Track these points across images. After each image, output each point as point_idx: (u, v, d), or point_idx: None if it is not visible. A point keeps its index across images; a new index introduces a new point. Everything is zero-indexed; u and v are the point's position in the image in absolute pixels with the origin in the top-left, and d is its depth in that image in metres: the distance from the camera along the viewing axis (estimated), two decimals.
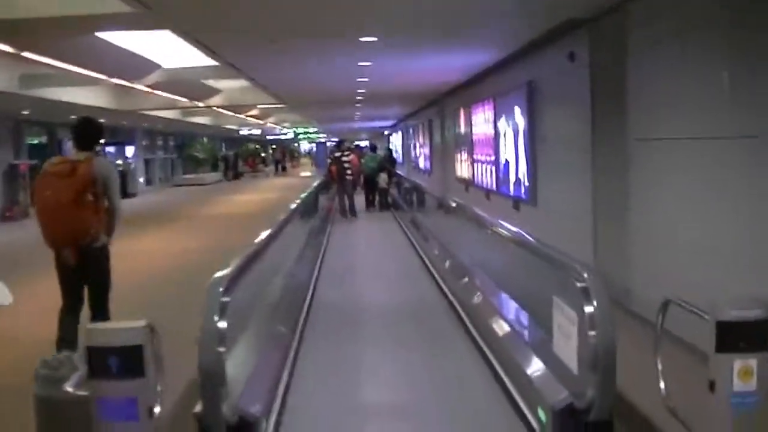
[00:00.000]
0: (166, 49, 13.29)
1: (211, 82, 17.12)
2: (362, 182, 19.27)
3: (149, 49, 13.22)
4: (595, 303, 3.22)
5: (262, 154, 62.71)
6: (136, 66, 13.85)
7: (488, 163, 12.65)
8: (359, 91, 16.04)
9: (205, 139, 42.56)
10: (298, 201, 9.99)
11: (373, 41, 8.82)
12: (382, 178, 19.00)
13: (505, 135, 11.17)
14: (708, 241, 5.28)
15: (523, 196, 10.23)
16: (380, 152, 23.28)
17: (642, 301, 6.23)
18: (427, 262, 9.64)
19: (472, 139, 14.10)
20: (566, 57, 8.22)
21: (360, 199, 18.54)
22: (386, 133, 47.33)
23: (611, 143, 7.09)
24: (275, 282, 6.64)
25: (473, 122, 13.94)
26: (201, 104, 19.40)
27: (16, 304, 5.54)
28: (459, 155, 16.04)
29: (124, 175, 26.39)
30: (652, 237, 6.31)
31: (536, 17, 8.03)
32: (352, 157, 17.99)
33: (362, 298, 8.08)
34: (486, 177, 12.93)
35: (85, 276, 5.16)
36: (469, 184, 14.96)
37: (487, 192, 12.95)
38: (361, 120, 33.01)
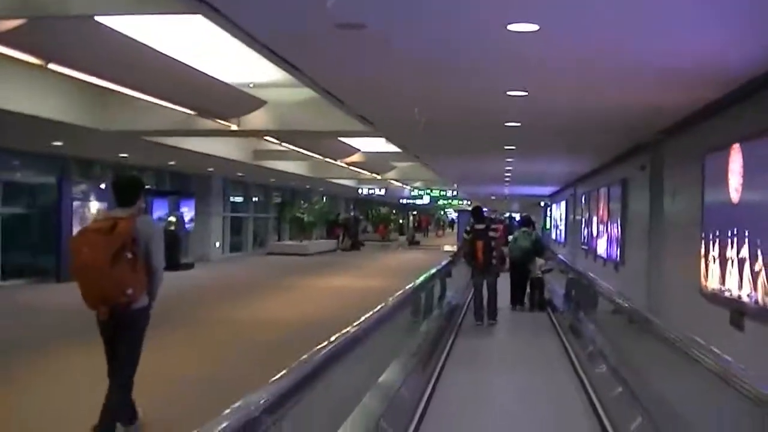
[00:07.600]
0: None
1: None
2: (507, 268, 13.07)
3: None
4: None
5: (400, 221, 56.12)
6: None
7: None
8: (514, 99, 8.27)
9: (323, 198, 35.97)
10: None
11: None
12: (539, 265, 13.45)
13: None
14: None
15: None
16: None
17: None
18: None
19: None
20: None
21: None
22: (542, 204, 38.85)
23: None
24: None
25: None
26: (234, 126, 11.76)
27: None
28: (713, 245, 7.68)
29: (173, 239, 19.07)
30: None
31: None
32: (500, 232, 12.08)
33: None
34: None
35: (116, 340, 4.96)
36: (746, 311, 6.62)
37: None
38: (513, 183, 25.02)
